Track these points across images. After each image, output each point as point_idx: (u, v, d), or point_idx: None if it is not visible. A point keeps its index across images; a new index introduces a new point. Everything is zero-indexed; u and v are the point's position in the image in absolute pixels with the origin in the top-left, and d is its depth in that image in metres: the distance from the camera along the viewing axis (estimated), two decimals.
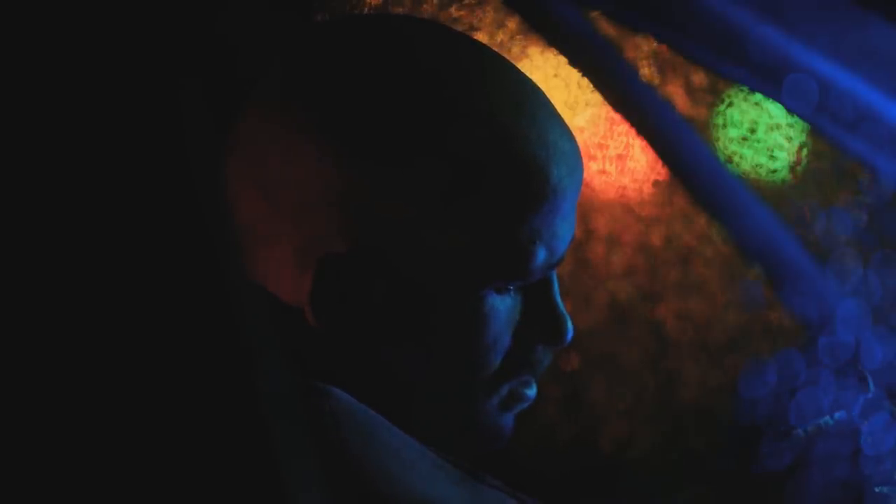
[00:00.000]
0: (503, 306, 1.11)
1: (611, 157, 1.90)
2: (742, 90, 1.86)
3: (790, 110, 1.76)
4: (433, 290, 1.08)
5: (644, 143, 1.84)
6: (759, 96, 1.84)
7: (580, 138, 1.99)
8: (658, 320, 1.92)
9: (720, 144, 1.88)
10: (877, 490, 1.63)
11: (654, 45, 1.81)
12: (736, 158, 1.88)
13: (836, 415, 1.65)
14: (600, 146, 1.90)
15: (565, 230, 1.12)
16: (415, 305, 1.09)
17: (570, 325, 1.14)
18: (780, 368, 1.82)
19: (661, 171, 1.88)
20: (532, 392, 1.15)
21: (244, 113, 1.13)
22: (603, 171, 1.91)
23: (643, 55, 1.82)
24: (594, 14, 1.77)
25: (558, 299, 1.15)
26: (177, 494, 0.78)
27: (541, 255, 1.09)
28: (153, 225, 0.79)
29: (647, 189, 1.90)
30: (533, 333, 1.13)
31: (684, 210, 1.89)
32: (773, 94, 1.71)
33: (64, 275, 0.78)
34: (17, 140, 0.79)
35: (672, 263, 1.92)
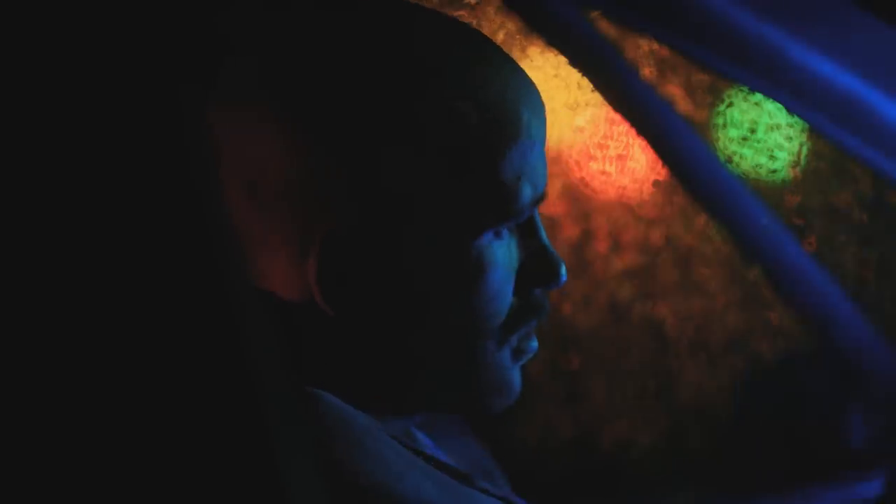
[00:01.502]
0: (501, 252, 1.13)
1: (611, 157, 1.90)
2: (742, 90, 1.86)
3: (790, 110, 1.76)
4: (433, 247, 1.11)
5: (644, 143, 1.84)
6: (759, 96, 1.84)
7: (580, 138, 1.99)
8: (658, 320, 1.93)
9: (720, 144, 1.88)
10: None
11: (654, 45, 1.81)
12: (736, 158, 1.88)
13: None
14: (600, 146, 1.90)
15: (542, 167, 1.14)
16: (419, 266, 1.11)
17: (563, 264, 1.16)
18: (781, 369, 1.82)
19: (661, 171, 1.88)
20: (535, 344, 1.18)
21: (212, 112, 1.13)
22: (603, 171, 1.91)
23: (643, 55, 1.82)
24: (594, 14, 1.77)
25: (547, 241, 1.17)
26: (177, 495, 0.78)
27: (526, 190, 1.12)
28: (153, 226, 0.79)
29: (647, 189, 1.90)
30: (529, 278, 1.15)
31: (684, 210, 1.89)
32: (773, 94, 1.71)
33: (63, 276, 0.78)
34: (17, 140, 0.79)
35: (672, 263, 1.92)
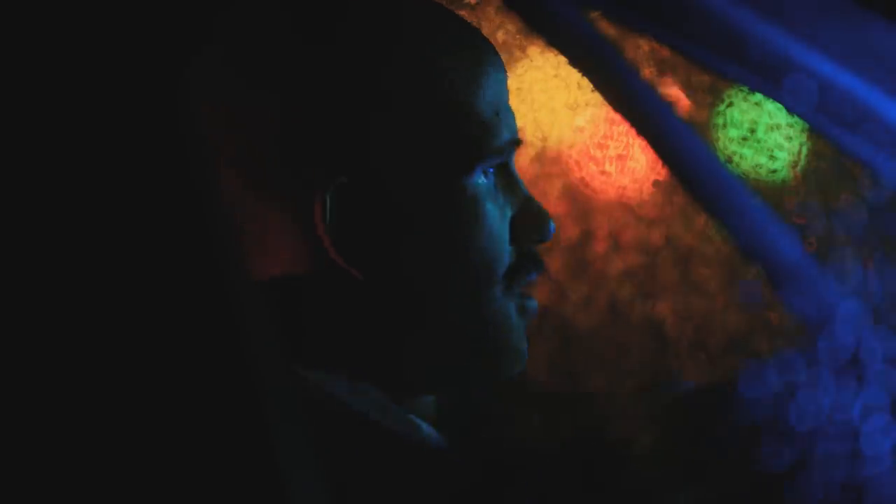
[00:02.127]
0: (491, 195, 1.19)
1: (611, 157, 1.90)
2: (742, 90, 1.86)
3: (790, 110, 1.76)
4: (429, 187, 1.17)
5: (644, 143, 1.84)
6: (759, 96, 1.84)
7: (580, 138, 1.99)
8: (658, 320, 1.93)
9: (720, 144, 1.88)
10: None
11: (654, 45, 1.81)
12: (736, 158, 1.88)
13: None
14: (600, 146, 1.90)
15: (513, 116, 1.22)
16: (418, 207, 1.17)
17: (549, 216, 1.24)
18: (780, 368, 1.82)
19: (661, 171, 1.88)
20: (535, 303, 1.24)
21: (197, 97, 1.15)
22: (603, 171, 1.91)
23: (643, 55, 1.82)
24: (594, 14, 1.77)
25: (531, 195, 1.24)
26: (177, 493, 0.78)
27: (503, 126, 1.20)
28: (152, 225, 0.79)
29: (647, 189, 1.90)
30: (520, 232, 1.22)
31: (684, 210, 1.89)
32: (773, 94, 1.71)
33: (64, 274, 0.78)
34: (17, 139, 0.79)
35: (672, 263, 1.92)
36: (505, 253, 1.20)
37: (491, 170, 1.20)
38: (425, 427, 1.24)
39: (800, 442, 1.77)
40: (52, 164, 0.79)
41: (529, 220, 1.23)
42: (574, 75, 1.81)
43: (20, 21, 0.79)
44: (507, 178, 1.22)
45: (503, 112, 1.21)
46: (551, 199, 1.85)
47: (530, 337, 1.55)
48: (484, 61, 1.22)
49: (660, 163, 1.85)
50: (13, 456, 0.77)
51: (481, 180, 1.19)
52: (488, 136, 1.19)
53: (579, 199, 1.91)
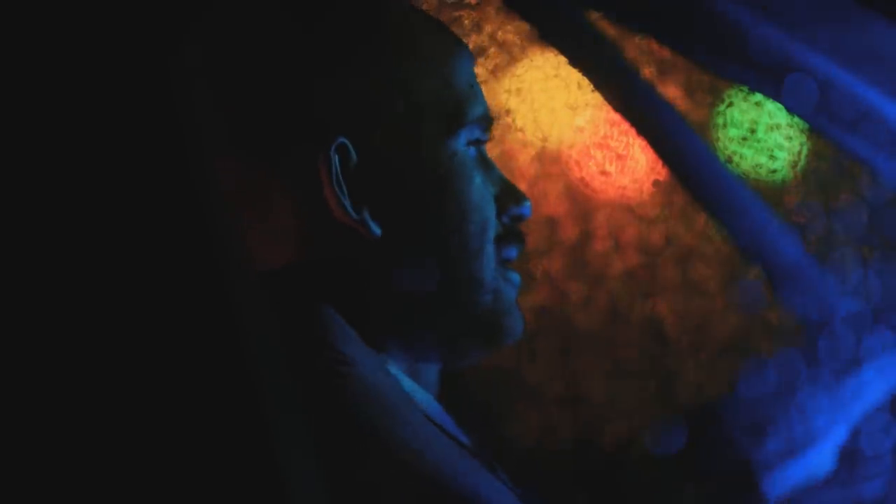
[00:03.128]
0: (474, 162, 1.26)
1: (611, 157, 1.90)
2: (742, 90, 1.86)
3: (790, 110, 1.76)
4: (418, 148, 1.24)
5: (644, 143, 1.84)
6: (759, 96, 1.84)
7: (580, 138, 1.99)
8: (658, 320, 1.93)
9: (720, 144, 1.88)
10: None
11: (654, 45, 1.81)
12: (736, 158, 1.88)
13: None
14: (600, 146, 1.90)
15: (483, 97, 1.30)
16: (409, 166, 1.23)
17: (523, 194, 1.31)
18: (780, 368, 1.82)
19: (661, 171, 1.88)
20: (517, 276, 1.31)
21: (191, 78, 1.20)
22: (603, 171, 1.91)
23: (643, 55, 1.82)
24: (594, 14, 1.77)
25: (503, 175, 1.31)
26: (176, 490, 0.78)
27: (479, 99, 1.28)
28: (152, 222, 0.79)
29: (647, 189, 1.90)
30: (501, 207, 1.29)
31: (684, 210, 1.89)
32: (773, 94, 1.71)
33: (64, 273, 0.78)
34: (17, 138, 0.79)
35: (672, 263, 1.92)
36: (493, 217, 1.27)
37: (472, 147, 1.27)
38: (445, 416, 1.27)
39: (799, 442, 1.77)
40: (48, 155, 0.79)
41: (509, 195, 1.30)
42: (574, 75, 1.81)
43: (12, 12, 0.79)
44: (484, 159, 1.29)
45: (476, 87, 1.29)
46: (551, 199, 1.86)
47: (530, 336, 1.56)
48: (455, 42, 1.30)
49: (660, 163, 1.85)
50: (13, 455, 0.77)
51: (466, 148, 1.26)
52: (467, 103, 1.26)
53: (579, 199, 1.91)
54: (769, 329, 1.88)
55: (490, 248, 1.26)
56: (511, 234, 1.29)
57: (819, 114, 1.66)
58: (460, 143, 1.26)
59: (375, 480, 1.10)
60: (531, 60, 1.83)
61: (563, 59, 1.79)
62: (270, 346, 0.79)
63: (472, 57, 1.32)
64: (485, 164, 1.29)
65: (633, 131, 1.83)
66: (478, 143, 1.29)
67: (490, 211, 1.26)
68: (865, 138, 1.65)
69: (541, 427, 1.92)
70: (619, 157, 1.90)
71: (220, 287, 0.79)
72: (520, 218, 1.30)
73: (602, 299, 1.92)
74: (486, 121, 1.30)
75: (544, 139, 1.86)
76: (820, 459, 1.73)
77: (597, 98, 1.83)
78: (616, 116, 1.84)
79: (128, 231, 0.79)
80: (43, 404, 0.78)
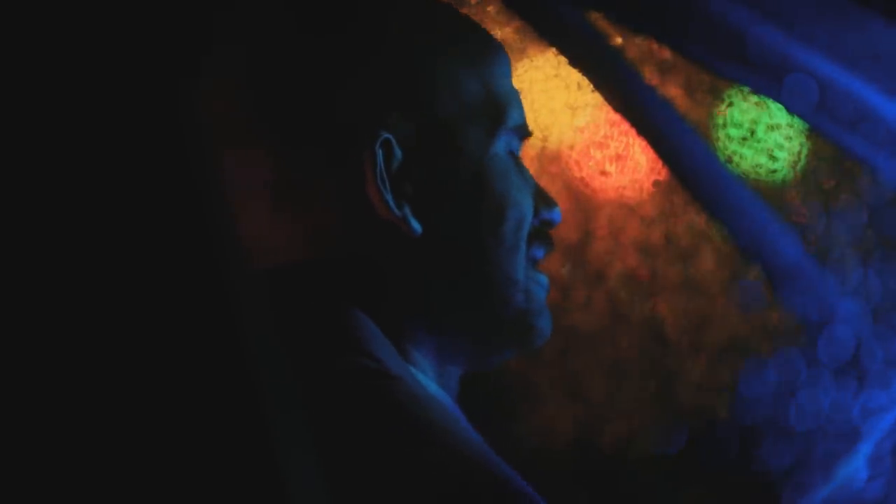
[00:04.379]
0: (513, 164, 1.28)
1: (611, 157, 1.90)
2: (742, 90, 1.86)
3: (790, 110, 1.76)
4: (459, 148, 1.25)
5: (644, 143, 1.84)
6: (758, 96, 1.84)
7: (580, 138, 1.99)
8: (658, 320, 1.93)
9: (720, 144, 1.88)
10: None
11: (654, 45, 1.81)
12: (736, 158, 1.88)
13: None
14: (600, 146, 1.90)
15: (519, 101, 1.31)
16: (454, 167, 1.25)
17: (554, 200, 1.33)
18: (780, 368, 1.82)
19: (661, 171, 1.88)
20: (546, 279, 1.32)
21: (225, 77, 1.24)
22: (603, 172, 1.91)
23: (643, 55, 1.82)
24: (594, 14, 1.77)
25: (537, 183, 1.32)
26: (176, 490, 0.78)
27: (516, 104, 1.29)
28: (154, 224, 0.79)
29: (647, 189, 1.90)
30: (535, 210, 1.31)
31: (684, 210, 1.89)
32: (773, 94, 1.71)
33: (66, 273, 0.78)
34: (19, 140, 0.79)
35: (672, 263, 1.92)
36: (529, 216, 1.28)
37: (508, 157, 1.28)
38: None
39: (800, 442, 1.77)
40: (46, 150, 0.79)
41: (541, 200, 1.31)
42: (574, 75, 1.82)
43: (21, 16, 0.79)
44: (519, 164, 1.30)
45: (515, 95, 1.30)
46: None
47: None
48: (498, 47, 1.31)
49: (660, 163, 1.85)
50: (12, 455, 0.77)
51: (506, 151, 1.27)
52: (508, 107, 1.28)
53: (579, 199, 1.91)
54: (769, 329, 1.88)
55: (524, 247, 1.28)
56: (540, 234, 1.31)
57: (819, 114, 1.66)
58: (500, 146, 1.27)
59: (424, 474, 1.11)
60: (531, 60, 1.83)
61: (563, 59, 1.79)
62: (270, 346, 0.79)
63: (510, 64, 1.33)
64: (520, 167, 1.30)
65: (633, 131, 1.83)
66: (513, 152, 1.30)
67: (527, 210, 1.28)
68: (865, 138, 1.65)
69: (541, 427, 1.92)
70: (619, 157, 1.90)
71: (219, 286, 0.79)
72: (550, 223, 1.32)
73: (602, 299, 1.92)
74: (524, 130, 1.32)
75: (544, 139, 1.86)
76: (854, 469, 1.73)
77: (597, 98, 1.84)
78: (616, 116, 1.84)
79: (127, 229, 0.79)
80: (42, 404, 0.78)
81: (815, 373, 1.78)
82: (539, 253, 1.31)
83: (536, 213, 1.29)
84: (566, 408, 1.93)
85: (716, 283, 1.91)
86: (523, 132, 1.31)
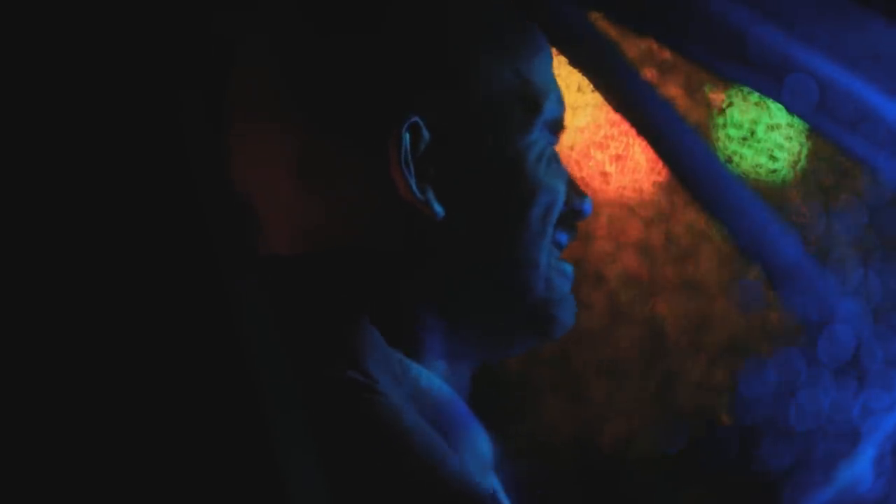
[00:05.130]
0: (546, 153, 1.27)
1: (611, 157, 1.90)
2: (742, 90, 1.86)
3: (790, 110, 1.76)
4: (493, 138, 1.25)
5: (644, 143, 1.84)
6: (758, 96, 1.84)
7: (580, 138, 1.99)
8: (658, 320, 1.93)
9: (720, 144, 1.88)
10: None
11: (654, 45, 1.81)
12: (736, 158, 1.88)
13: None
14: (600, 146, 1.90)
15: (558, 95, 1.31)
16: (486, 156, 1.25)
17: (584, 192, 1.32)
18: (780, 368, 1.82)
19: (661, 171, 1.88)
20: (570, 268, 1.32)
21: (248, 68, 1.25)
22: (603, 172, 1.91)
23: (643, 55, 1.82)
24: (594, 14, 1.77)
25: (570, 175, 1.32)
26: (176, 491, 0.78)
27: (554, 98, 1.28)
28: (154, 226, 0.79)
29: (647, 189, 1.90)
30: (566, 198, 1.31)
31: (684, 210, 1.89)
32: (773, 94, 1.71)
33: (65, 274, 0.78)
34: (21, 143, 0.79)
35: (672, 263, 1.92)
36: (560, 202, 1.28)
37: (542, 146, 1.28)
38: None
39: (800, 442, 1.77)
40: (44, 148, 0.79)
41: (574, 190, 1.30)
42: (574, 76, 1.82)
43: (24, 16, 0.79)
44: (555, 155, 1.30)
45: (556, 88, 1.30)
46: None
47: None
48: (538, 38, 1.32)
49: (660, 163, 1.85)
50: (11, 454, 0.77)
51: (541, 140, 1.27)
52: (544, 100, 1.27)
53: None
54: (769, 329, 1.88)
55: (550, 232, 1.27)
56: (566, 220, 1.30)
57: (819, 114, 1.66)
58: (534, 135, 1.27)
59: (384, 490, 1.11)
60: None
61: (563, 59, 1.79)
62: (270, 345, 0.79)
63: (551, 57, 1.33)
64: (555, 157, 1.30)
65: (633, 131, 1.83)
66: (547, 143, 1.30)
67: (559, 196, 1.28)
68: (865, 138, 1.65)
69: (541, 427, 1.92)
70: (619, 157, 1.90)
71: (219, 285, 0.79)
72: (580, 213, 1.31)
73: (602, 299, 1.92)
74: (560, 124, 1.31)
75: None
76: (859, 472, 1.73)
77: (597, 98, 1.84)
78: (616, 117, 1.84)
79: (126, 227, 0.79)
80: (42, 404, 0.78)
81: (815, 373, 1.78)
82: (563, 238, 1.30)
83: (568, 201, 1.29)
84: (566, 408, 1.93)
85: (716, 283, 1.91)
86: (559, 126, 1.30)
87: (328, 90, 1.22)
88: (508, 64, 1.27)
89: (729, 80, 1.83)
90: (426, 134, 1.22)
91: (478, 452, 1.24)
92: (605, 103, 1.83)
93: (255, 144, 1.23)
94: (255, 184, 1.23)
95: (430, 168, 1.22)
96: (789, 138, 1.88)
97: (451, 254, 1.23)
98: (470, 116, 1.24)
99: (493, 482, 1.25)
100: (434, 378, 1.24)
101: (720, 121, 1.88)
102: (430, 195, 1.22)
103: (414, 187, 1.21)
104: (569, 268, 1.31)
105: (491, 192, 1.24)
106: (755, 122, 1.87)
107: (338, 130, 1.22)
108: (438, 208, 1.22)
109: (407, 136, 1.21)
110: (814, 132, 1.83)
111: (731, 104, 1.87)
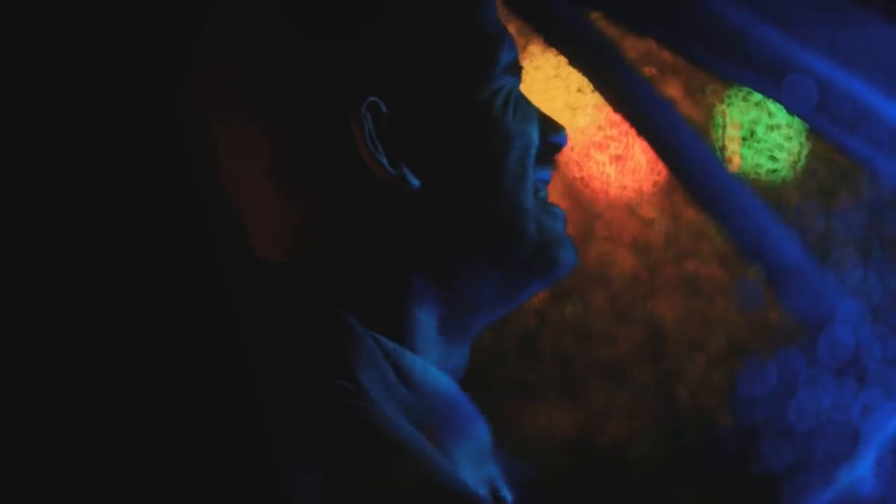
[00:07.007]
0: (506, 98, 1.26)
1: (611, 157, 1.90)
2: (742, 90, 1.86)
3: (790, 110, 1.77)
4: (452, 94, 1.25)
5: (644, 143, 1.84)
6: (758, 96, 1.84)
7: (580, 138, 1.99)
8: (658, 320, 1.93)
9: (720, 144, 1.88)
10: None
11: (654, 45, 1.81)
12: (736, 158, 1.88)
13: None
14: (600, 146, 1.90)
15: (510, 38, 1.31)
16: (449, 116, 1.25)
17: (559, 124, 1.32)
18: (780, 368, 1.82)
19: (661, 171, 1.88)
20: (560, 210, 1.31)
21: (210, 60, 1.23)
22: (603, 172, 1.91)
23: (643, 55, 1.82)
24: (594, 14, 1.77)
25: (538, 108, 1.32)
26: (176, 491, 0.78)
27: (507, 43, 1.28)
28: (151, 223, 0.80)
29: (647, 189, 1.90)
30: (540, 134, 1.30)
31: (684, 210, 1.89)
32: (773, 94, 1.71)
33: (65, 275, 0.79)
34: (17, 144, 0.79)
35: (672, 263, 1.92)
36: (534, 144, 1.27)
37: (506, 91, 1.28)
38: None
39: (800, 442, 1.77)
40: (43, 146, 0.79)
41: (546, 124, 1.30)
42: (574, 76, 1.82)
43: (20, 14, 0.79)
44: (521, 97, 1.30)
45: (506, 33, 1.30)
46: (551, 200, 1.85)
47: (531, 336, 1.56)
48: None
49: (660, 163, 1.85)
50: (11, 454, 0.77)
51: (503, 87, 1.27)
52: (498, 47, 1.27)
53: (579, 199, 1.91)
54: (769, 329, 1.88)
55: (530, 173, 1.27)
56: (543, 156, 1.30)
57: (819, 114, 1.66)
58: (495, 84, 1.26)
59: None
60: (531, 60, 1.83)
61: (563, 59, 1.79)
62: (270, 344, 0.79)
63: (496, 6, 1.33)
64: (521, 98, 1.30)
65: (633, 131, 1.83)
66: (510, 87, 1.30)
67: (532, 137, 1.27)
68: (865, 138, 1.65)
69: (541, 427, 1.92)
70: (619, 157, 1.90)
71: (219, 285, 0.79)
72: (557, 146, 1.31)
73: (602, 299, 1.92)
74: (517, 66, 1.31)
75: None
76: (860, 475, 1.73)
77: (597, 98, 1.84)
78: (616, 117, 1.85)
79: (125, 226, 0.79)
80: (42, 405, 0.78)
81: (815, 373, 1.78)
82: (545, 175, 1.30)
83: (543, 136, 1.29)
84: (566, 408, 1.93)
85: (716, 283, 1.91)
86: (517, 68, 1.30)
87: (285, 87, 1.22)
88: (453, 20, 1.27)
89: (729, 80, 1.83)
90: (385, 109, 1.21)
91: (475, 442, 1.24)
92: (605, 103, 1.83)
93: (229, 146, 1.23)
94: (234, 186, 1.23)
95: (399, 143, 1.22)
96: (789, 138, 1.88)
97: (436, 221, 1.23)
98: (425, 82, 1.24)
99: (490, 470, 1.25)
100: (429, 367, 1.24)
101: (720, 121, 1.88)
102: (404, 169, 1.22)
103: (386, 164, 1.21)
104: (558, 210, 1.31)
105: (463, 151, 1.25)
106: (755, 122, 1.88)
107: (303, 123, 1.22)
108: (414, 181, 1.22)
109: (368, 116, 1.21)
110: (814, 132, 1.83)
111: (731, 104, 1.87)
